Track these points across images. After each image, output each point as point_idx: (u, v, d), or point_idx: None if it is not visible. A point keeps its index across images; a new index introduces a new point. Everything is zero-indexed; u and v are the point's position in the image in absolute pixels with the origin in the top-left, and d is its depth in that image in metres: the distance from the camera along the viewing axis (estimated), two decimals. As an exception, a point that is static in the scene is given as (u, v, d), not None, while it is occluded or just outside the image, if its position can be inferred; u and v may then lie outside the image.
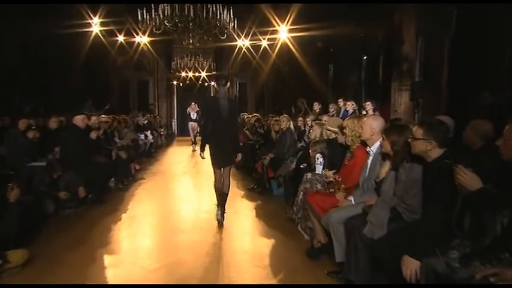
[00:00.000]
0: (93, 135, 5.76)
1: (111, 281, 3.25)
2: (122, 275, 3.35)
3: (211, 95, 12.96)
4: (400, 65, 7.63)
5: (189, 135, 12.27)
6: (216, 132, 4.43)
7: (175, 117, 18.34)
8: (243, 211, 5.40)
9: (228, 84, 4.66)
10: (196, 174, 8.31)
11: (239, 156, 4.64)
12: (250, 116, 10.37)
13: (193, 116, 11.71)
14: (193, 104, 11.81)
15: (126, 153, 7.16)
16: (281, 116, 6.74)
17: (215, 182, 4.63)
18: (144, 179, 7.64)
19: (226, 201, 4.68)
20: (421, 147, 2.53)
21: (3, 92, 8.11)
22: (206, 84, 16.96)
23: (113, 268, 3.49)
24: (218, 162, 4.56)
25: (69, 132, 5.72)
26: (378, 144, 3.26)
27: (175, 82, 17.33)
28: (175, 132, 18.28)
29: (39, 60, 9.09)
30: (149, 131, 10.85)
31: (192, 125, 11.79)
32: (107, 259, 3.70)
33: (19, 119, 5.94)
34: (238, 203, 5.83)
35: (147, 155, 10.23)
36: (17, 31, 8.31)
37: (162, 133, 14.09)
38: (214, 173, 4.59)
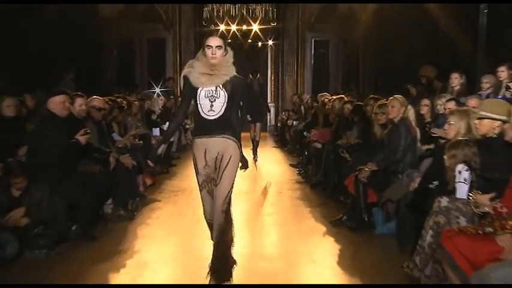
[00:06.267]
0: (81, 138, 5.89)
1: None
2: None
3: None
4: None
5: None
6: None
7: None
8: (323, 261, 5.39)
9: (259, 75, 12.58)
10: (248, 195, 8.27)
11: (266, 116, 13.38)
12: (335, 97, 10.16)
13: (206, 105, 4.55)
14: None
15: (132, 160, 7.27)
16: (390, 99, 6.54)
17: (250, 133, 12.03)
18: (159, 201, 7.80)
19: (257, 147, 12.00)
20: None
21: None
22: (260, 44, 16.96)
23: None
24: (252, 121, 11.84)
25: (42, 124, 5.88)
26: None
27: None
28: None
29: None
30: (167, 123, 11.00)
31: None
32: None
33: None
34: (314, 246, 5.89)
35: (165, 163, 10.39)
36: None
37: (187, 126, 14.27)
38: (250, 128, 11.97)
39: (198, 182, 4.52)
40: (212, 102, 4.34)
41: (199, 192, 4.53)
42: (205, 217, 4.63)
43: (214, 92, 4.34)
